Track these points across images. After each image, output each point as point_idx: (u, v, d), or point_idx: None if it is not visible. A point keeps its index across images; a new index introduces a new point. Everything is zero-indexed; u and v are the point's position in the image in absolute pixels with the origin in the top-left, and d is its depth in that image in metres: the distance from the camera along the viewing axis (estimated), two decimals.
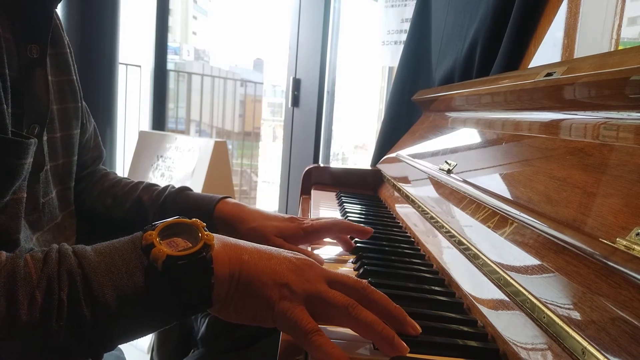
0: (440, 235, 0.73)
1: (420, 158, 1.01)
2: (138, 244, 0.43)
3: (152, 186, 0.77)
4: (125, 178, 0.81)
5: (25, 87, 0.53)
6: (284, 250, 0.49)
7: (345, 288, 0.46)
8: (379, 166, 1.31)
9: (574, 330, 0.38)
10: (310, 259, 0.48)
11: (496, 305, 0.50)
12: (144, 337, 0.58)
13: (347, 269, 0.67)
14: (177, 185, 0.77)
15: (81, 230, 0.73)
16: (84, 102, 0.71)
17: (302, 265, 0.46)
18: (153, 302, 0.42)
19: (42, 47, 0.54)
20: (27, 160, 0.48)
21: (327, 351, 0.41)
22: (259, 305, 0.44)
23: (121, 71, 2.30)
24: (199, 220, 0.45)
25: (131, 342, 0.45)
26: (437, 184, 0.85)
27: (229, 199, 0.73)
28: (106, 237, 0.77)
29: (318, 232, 0.71)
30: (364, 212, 1.01)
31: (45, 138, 0.58)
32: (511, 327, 0.46)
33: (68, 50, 0.65)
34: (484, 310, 0.51)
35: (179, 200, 0.73)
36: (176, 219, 0.46)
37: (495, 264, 0.53)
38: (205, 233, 0.44)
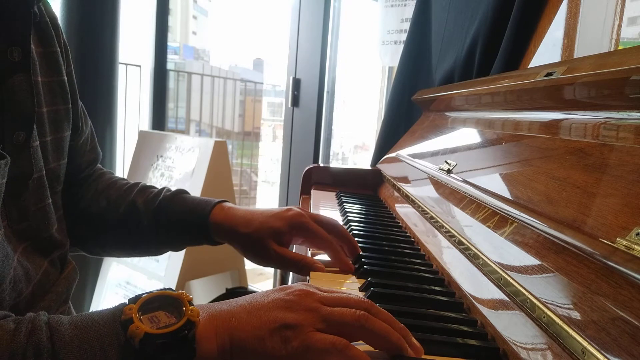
0: (440, 235, 0.73)
1: (420, 158, 1.01)
2: (118, 318, 0.40)
3: (147, 189, 0.75)
4: (121, 179, 0.78)
5: (4, 93, 0.50)
6: (272, 291, 0.46)
7: (350, 308, 0.44)
8: (379, 166, 1.31)
9: (574, 330, 0.38)
10: (304, 287, 0.46)
11: (496, 305, 0.50)
12: None
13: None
14: (175, 187, 0.74)
15: (76, 233, 0.70)
16: (80, 103, 0.69)
17: (297, 298, 0.44)
18: None
19: (24, 49, 0.51)
20: None
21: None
22: None
23: (121, 71, 2.30)
24: (185, 293, 0.43)
25: None
26: (437, 184, 0.85)
27: (226, 204, 0.71)
28: (101, 239, 0.76)
29: (318, 225, 0.67)
30: (364, 212, 1.01)
31: (37, 143, 0.55)
32: (511, 326, 0.46)
33: (59, 50, 0.62)
34: (484, 310, 0.51)
35: (174, 204, 0.71)
36: (161, 291, 0.43)
37: (495, 264, 0.53)
38: (190, 308, 0.41)
